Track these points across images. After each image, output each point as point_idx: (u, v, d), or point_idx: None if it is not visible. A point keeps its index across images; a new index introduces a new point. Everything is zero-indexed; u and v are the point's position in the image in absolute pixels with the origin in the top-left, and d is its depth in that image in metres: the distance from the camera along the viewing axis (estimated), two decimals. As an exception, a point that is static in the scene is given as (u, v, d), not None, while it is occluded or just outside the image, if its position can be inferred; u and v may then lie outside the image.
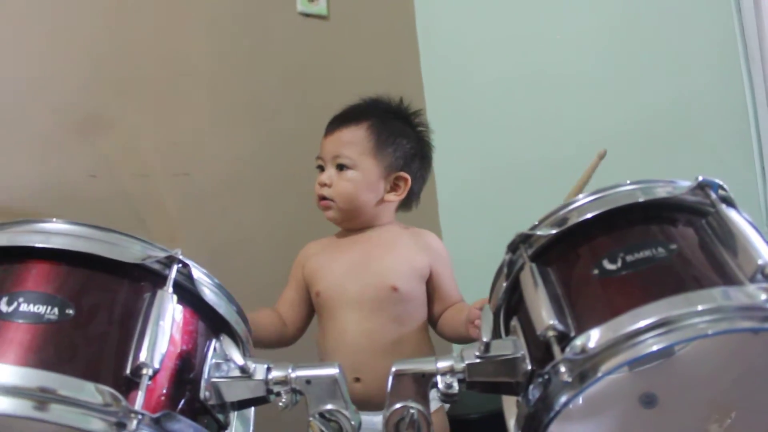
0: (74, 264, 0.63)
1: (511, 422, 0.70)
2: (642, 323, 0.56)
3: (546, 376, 0.58)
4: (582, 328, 0.59)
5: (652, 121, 1.87)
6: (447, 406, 1.25)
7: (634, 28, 1.94)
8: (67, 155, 1.39)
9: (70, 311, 0.60)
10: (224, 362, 0.68)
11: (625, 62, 1.94)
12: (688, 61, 1.86)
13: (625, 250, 0.62)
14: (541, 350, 0.61)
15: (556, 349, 0.57)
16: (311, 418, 0.67)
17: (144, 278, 0.65)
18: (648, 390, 0.76)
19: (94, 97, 1.45)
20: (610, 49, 1.97)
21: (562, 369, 0.55)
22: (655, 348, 0.55)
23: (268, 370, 0.67)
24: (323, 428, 0.67)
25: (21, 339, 0.57)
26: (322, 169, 1.26)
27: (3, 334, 0.57)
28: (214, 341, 0.69)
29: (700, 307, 0.56)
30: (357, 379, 1.15)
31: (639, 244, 0.63)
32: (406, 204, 1.29)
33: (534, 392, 0.60)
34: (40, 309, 0.59)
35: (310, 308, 1.27)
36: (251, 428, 0.74)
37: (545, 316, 0.59)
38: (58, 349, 0.58)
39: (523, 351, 0.64)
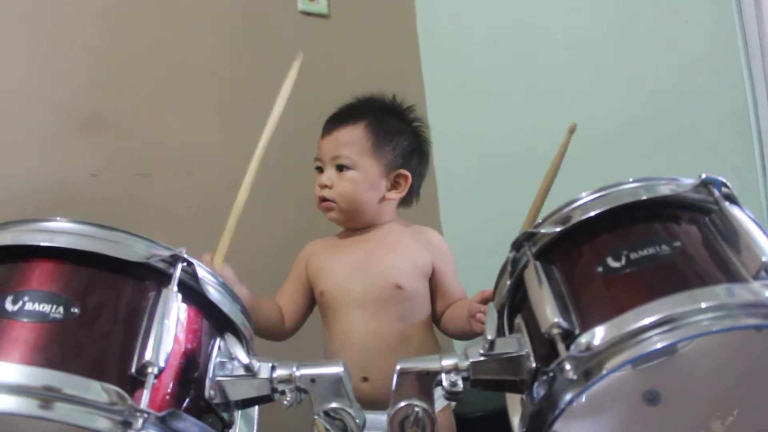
0: (79, 263, 0.63)
1: (515, 420, 0.70)
2: (646, 321, 0.56)
3: (551, 374, 0.58)
4: (586, 325, 0.59)
5: (652, 118, 1.87)
6: (453, 404, 1.25)
7: (634, 26, 1.94)
8: (68, 154, 1.39)
9: (75, 310, 0.60)
10: (229, 361, 0.68)
11: (625, 59, 1.94)
12: (688, 59, 1.85)
13: (629, 247, 0.63)
14: (546, 348, 0.61)
15: (560, 346, 0.57)
16: (316, 417, 0.67)
17: (148, 277, 0.65)
18: (651, 387, 0.76)
19: (95, 96, 1.45)
20: (610, 47, 1.97)
21: (567, 366, 0.55)
22: (659, 345, 0.55)
23: (273, 368, 0.67)
24: (328, 427, 0.67)
25: (26, 338, 0.57)
26: (320, 170, 1.26)
27: (8, 333, 0.57)
28: (218, 340, 0.69)
29: (704, 305, 0.56)
30: (365, 379, 1.15)
31: (643, 242, 0.63)
32: (406, 200, 1.29)
33: (539, 390, 0.60)
34: (45, 308, 0.59)
35: (309, 305, 1.27)
36: (255, 427, 0.74)
37: (550, 314, 0.59)
38: (64, 348, 0.58)
39: (527, 349, 0.64)
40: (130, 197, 1.46)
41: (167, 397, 0.62)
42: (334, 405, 0.67)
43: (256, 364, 0.67)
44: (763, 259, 0.58)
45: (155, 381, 0.58)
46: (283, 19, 1.82)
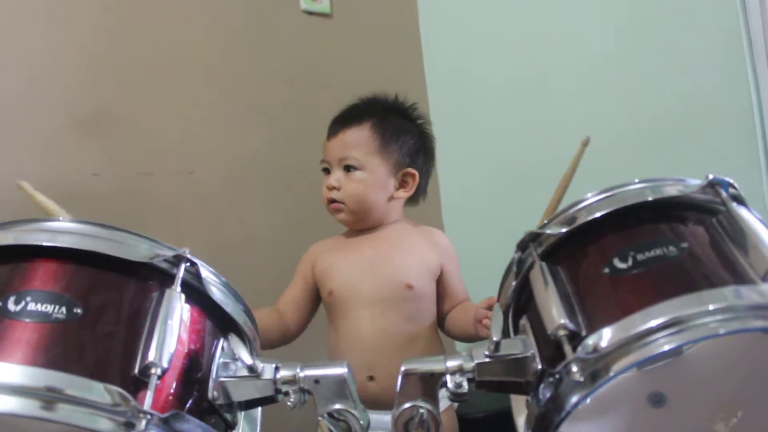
0: (81, 263, 0.63)
1: (520, 421, 0.69)
2: (653, 323, 0.56)
3: (557, 376, 0.58)
4: (593, 327, 0.58)
5: (656, 120, 1.87)
6: (456, 405, 1.25)
7: (638, 28, 1.93)
8: (70, 154, 1.38)
9: (78, 310, 0.59)
10: (232, 362, 0.68)
11: (629, 61, 1.94)
12: (693, 60, 1.85)
13: (636, 248, 0.62)
14: (552, 349, 0.61)
15: (567, 348, 0.56)
16: (320, 418, 0.67)
17: (152, 277, 0.65)
18: (656, 389, 0.76)
19: (96, 95, 1.44)
20: (614, 49, 1.96)
21: (574, 368, 0.55)
22: (666, 348, 0.55)
23: (277, 369, 0.67)
24: (332, 428, 0.66)
25: (28, 338, 0.57)
26: (327, 171, 1.26)
27: (10, 333, 0.57)
28: (221, 340, 0.69)
29: (711, 307, 0.56)
30: (371, 378, 1.15)
31: (650, 243, 0.62)
32: (413, 199, 1.30)
33: (545, 392, 0.60)
34: (48, 308, 0.58)
35: (315, 306, 1.27)
36: (258, 428, 0.74)
37: (556, 315, 0.59)
38: (66, 349, 0.57)
39: (533, 350, 0.64)
40: (132, 196, 1.46)
41: (170, 398, 0.61)
42: (338, 406, 0.67)
43: (259, 365, 0.66)
44: (772, 260, 0.58)
45: (158, 382, 0.58)
46: (285, 19, 1.82)
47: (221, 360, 0.68)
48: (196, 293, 0.67)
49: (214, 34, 1.66)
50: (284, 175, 1.74)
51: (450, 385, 0.65)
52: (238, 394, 0.67)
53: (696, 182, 0.67)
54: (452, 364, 0.66)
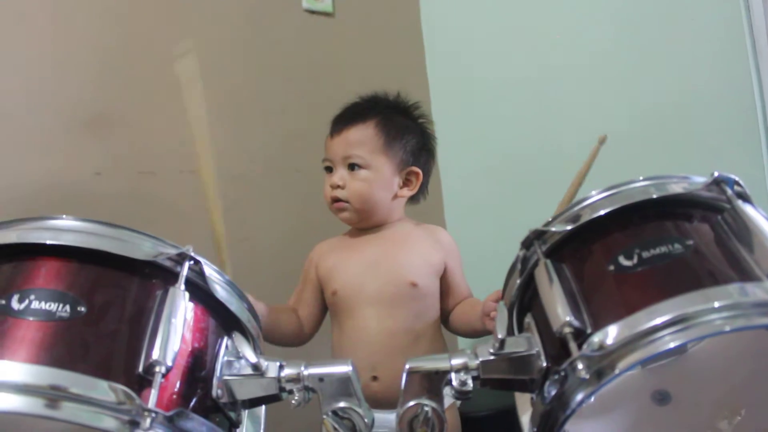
0: (85, 261, 0.63)
1: (525, 419, 0.69)
2: (659, 320, 0.55)
3: (563, 373, 0.58)
4: (598, 324, 0.58)
5: (658, 116, 1.87)
6: (459, 403, 1.25)
7: (639, 24, 1.93)
8: (72, 153, 1.38)
9: (82, 309, 0.59)
10: (236, 360, 0.68)
11: (630, 57, 1.94)
12: (695, 57, 1.85)
13: (641, 246, 0.62)
14: (557, 347, 0.61)
15: (572, 345, 0.56)
16: (325, 416, 0.66)
17: (155, 275, 0.65)
18: (661, 387, 0.76)
19: (99, 95, 1.44)
20: (615, 45, 1.96)
21: (580, 366, 0.55)
22: (672, 345, 0.55)
23: (281, 367, 0.67)
24: (337, 426, 0.66)
25: (32, 337, 0.57)
26: (330, 170, 1.25)
27: (14, 331, 0.57)
28: (225, 339, 0.69)
29: (716, 304, 0.55)
30: (374, 378, 1.15)
31: (655, 240, 0.62)
32: (414, 197, 1.30)
33: (550, 389, 0.59)
34: (52, 306, 0.58)
35: (324, 307, 1.27)
36: (262, 427, 0.74)
37: (561, 313, 0.59)
38: (70, 347, 0.57)
39: (537, 348, 0.64)
40: (134, 196, 1.45)
41: (174, 396, 0.61)
42: (342, 404, 0.67)
43: (263, 363, 0.66)
44: (777, 257, 0.58)
45: (162, 380, 0.57)
46: (287, 17, 1.82)
47: (225, 358, 0.67)
48: (199, 291, 0.67)
49: (216, 32, 1.66)
50: (286, 174, 1.73)
51: (455, 383, 0.65)
52: (242, 393, 0.67)
53: (701, 180, 0.67)
54: (457, 362, 0.66)
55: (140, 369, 0.58)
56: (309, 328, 1.24)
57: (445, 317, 1.25)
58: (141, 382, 0.57)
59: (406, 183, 1.26)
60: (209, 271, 0.67)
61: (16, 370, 0.53)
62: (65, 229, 0.64)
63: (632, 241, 0.63)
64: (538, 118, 2.04)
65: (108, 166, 1.42)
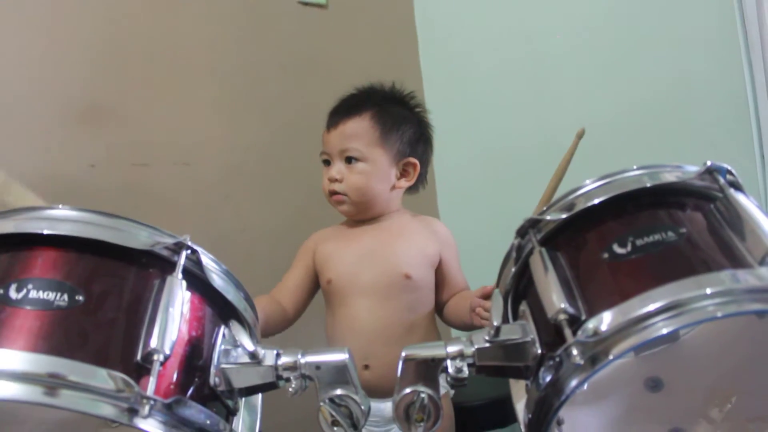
0: (82, 251, 0.63)
1: (519, 406, 0.70)
2: (652, 306, 0.56)
3: (557, 359, 0.58)
4: (593, 311, 0.59)
5: (650, 107, 1.88)
6: (452, 392, 1.26)
7: (631, 14, 1.94)
8: (67, 146, 1.38)
9: (80, 298, 0.59)
10: (233, 348, 0.68)
11: (623, 48, 1.94)
12: (687, 47, 1.86)
13: (635, 234, 0.63)
14: (551, 334, 0.61)
15: (567, 332, 0.57)
16: (321, 404, 0.67)
17: (152, 265, 0.65)
18: (654, 374, 0.77)
19: (93, 87, 1.44)
20: (608, 36, 1.97)
21: (574, 352, 0.55)
22: (665, 331, 0.55)
23: (278, 356, 0.67)
24: (333, 413, 0.66)
25: (30, 326, 0.57)
26: (327, 163, 1.26)
27: (12, 321, 0.57)
28: (222, 327, 0.69)
29: (709, 290, 0.56)
30: (366, 367, 1.15)
31: (648, 228, 0.63)
32: (413, 188, 1.30)
33: (545, 375, 0.60)
34: (50, 295, 0.58)
35: (313, 292, 1.27)
36: (259, 416, 0.74)
37: (556, 300, 0.59)
38: (68, 336, 0.57)
39: (532, 335, 0.64)
40: (128, 188, 1.46)
41: (173, 384, 0.61)
42: (339, 392, 0.67)
43: (260, 352, 0.66)
44: (769, 244, 0.58)
45: (161, 368, 0.58)
46: (281, 9, 1.82)
47: (222, 347, 0.68)
48: (196, 280, 0.67)
49: (210, 25, 1.66)
50: (280, 166, 1.74)
51: (450, 370, 0.66)
52: (240, 381, 0.67)
53: (694, 169, 0.68)
54: (452, 349, 0.66)
55: (138, 357, 0.58)
56: (295, 311, 1.25)
57: (440, 309, 1.26)
58: (139, 370, 0.57)
59: (403, 174, 1.26)
60: (206, 260, 0.68)
61: (15, 358, 0.54)
62: (62, 218, 0.64)
63: (626, 230, 0.64)
64: (531, 109, 2.05)
65: (102, 158, 1.42)
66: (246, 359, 0.67)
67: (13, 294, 0.58)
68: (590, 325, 0.57)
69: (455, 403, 1.28)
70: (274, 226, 1.69)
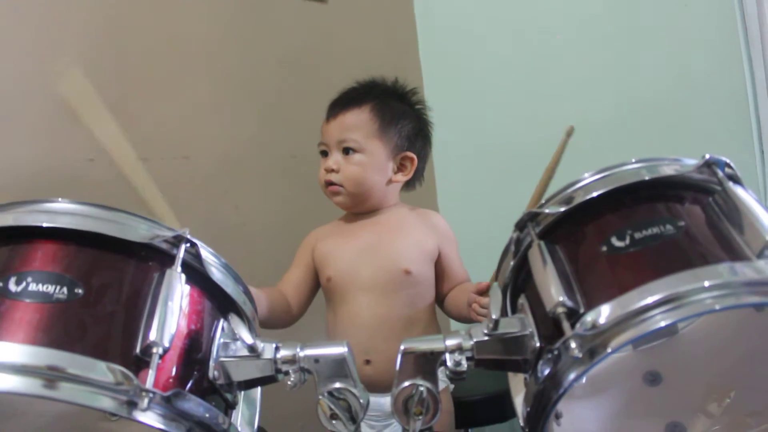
0: (82, 244, 0.63)
1: (517, 400, 0.70)
2: (650, 299, 0.56)
3: (555, 352, 0.58)
4: (591, 304, 0.59)
5: (650, 103, 1.87)
6: (452, 387, 1.26)
7: (632, 11, 1.94)
8: (65, 139, 1.38)
9: (79, 290, 0.59)
10: (232, 342, 0.68)
11: (623, 45, 1.94)
12: (687, 45, 1.85)
13: (633, 227, 0.63)
14: (550, 327, 0.61)
15: (566, 325, 0.57)
16: (320, 397, 0.67)
17: (152, 258, 0.65)
18: (652, 368, 0.77)
19: (92, 80, 1.43)
20: (608, 31, 1.97)
21: (573, 345, 0.55)
22: (663, 324, 0.55)
23: (277, 349, 0.67)
24: (332, 407, 0.67)
25: (30, 318, 0.57)
26: (325, 154, 1.26)
27: (12, 313, 0.57)
28: (221, 321, 0.69)
29: (707, 283, 0.56)
30: (367, 362, 1.15)
31: (647, 222, 0.63)
32: (409, 183, 1.30)
33: (543, 369, 0.60)
34: (49, 288, 0.59)
35: (315, 290, 1.27)
36: (258, 409, 0.74)
37: (554, 293, 0.59)
38: (68, 328, 0.58)
39: (531, 328, 0.64)
40: (128, 181, 1.45)
41: (172, 377, 0.62)
42: (338, 385, 0.67)
43: (259, 345, 0.67)
44: (767, 237, 0.58)
45: (160, 361, 0.58)
46: (280, 4, 1.81)
47: (222, 340, 0.68)
48: (196, 274, 0.67)
49: (210, 19, 1.66)
50: (280, 160, 1.73)
51: (449, 363, 0.66)
52: (239, 374, 0.67)
53: (692, 162, 0.68)
54: (451, 342, 0.66)
55: (137, 350, 0.58)
56: (297, 309, 1.25)
57: (440, 301, 1.26)
58: (138, 363, 0.58)
59: (400, 168, 1.26)
60: (205, 253, 0.68)
61: (14, 350, 0.54)
62: (61, 212, 0.64)
63: (624, 223, 0.64)
64: (531, 104, 2.05)
65: (101, 152, 1.42)
66: (245, 352, 0.67)
67: (12, 287, 0.58)
68: (588, 318, 0.57)
69: (455, 397, 1.28)
70: (273, 220, 1.69)
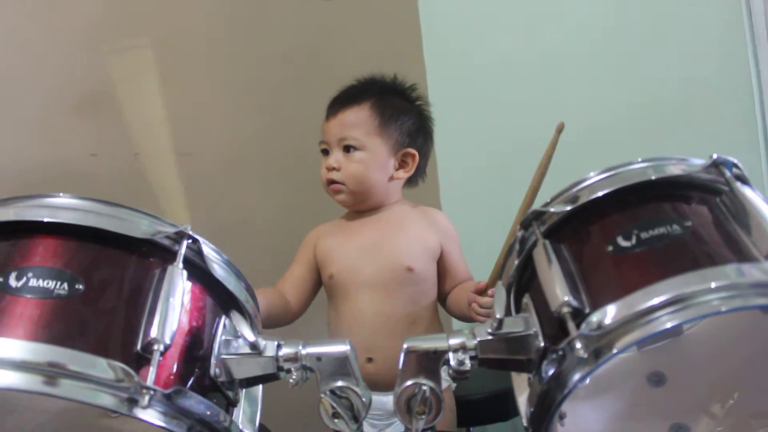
0: (83, 239, 0.62)
1: (521, 399, 0.69)
2: (656, 300, 0.55)
3: (560, 353, 0.58)
4: (596, 304, 0.58)
5: (656, 103, 1.87)
6: (454, 386, 1.26)
7: (638, 10, 1.93)
8: (68, 135, 1.38)
9: (80, 286, 0.59)
10: (234, 339, 0.68)
11: (629, 44, 1.93)
12: (693, 43, 1.85)
13: (640, 226, 0.62)
14: (554, 327, 0.61)
15: (571, 325, 0.56)
16: (322, 395, 0.67)
17: (153, 254, 0.64)
18: (657, 369, 0.76)
19: (94, 76, 1.43)
20: (614, 31, 1.96)
21: (578, 345, 0.55)
22: (669, 325, 0.55)
23: (279, 347, 0.67)
24: (334, 405, 0.66)
25: (30, 314, 0.56)
26: (326, 152, 1.25)
27: (12, 309, 0.56)
28: (223, 318, 0.69)
29: (714, 284, 0.55)
30: (369, 360, 1.15)
31: (653, 222, 0.62)
32: (412, 180, 1.30)
33: (547, 369, 0.60)
34: (50, 284, 0.58)
35: (316, 288, 1.27)
36: (259, 407, 0.74)
37: (560, 293, 0.59)
38: (68, 325, 0.57)
39: (535, 328, 0.64)
40: (129, 178, 1.45)
41: (172, 375, 0.61)
42: (340, 383, 0.66)
43: (261, 342, 0.66)
44: (775, 238, 0.58)
45: (161, 358, 0.57)
46: (284, 1, 1.81)
47: (223, 337, 0.67)
48: (197, 270, 0.67)
49: (212, 15, 1.65)
50: (282, 157, 1.73)
51: (452, 362, 0.65)
52: (240, 372, 0.67)
53: (699, 161, 0.67)
54: (455, 341, 0.66)
55: (138, 347, 0.58)
56: (298, 305, 1.24)
57: (442, 299, 1.26)
58: (139, 360, 0.57)
59: (402, 165, 1.25)
60: (207, 250, 0.67)
61: (14, 347, 0.53)
62: (63, 207, 0.63)
63: (631, 222, 0.63)
64: (535, 102, 2.03)
65: (104, 147, 1.42)
66: (247, 350, 0.67)
67: (13, 282, 0.58)
68: (594, 318, 0.56)
69: (457, 396, 1.28)
70: (275, 216, 1.69)
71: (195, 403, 0.59)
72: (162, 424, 0.55)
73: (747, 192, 0.64)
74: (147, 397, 0.54)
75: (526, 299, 0.68)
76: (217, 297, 0.69)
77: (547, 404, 0.60)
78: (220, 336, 0.67)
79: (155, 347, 0.57)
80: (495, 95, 2.12)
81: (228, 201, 1.62)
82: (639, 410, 0.77)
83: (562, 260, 0.63)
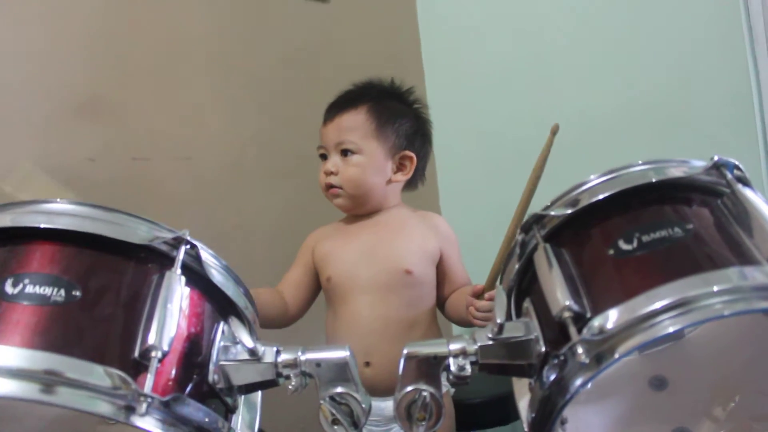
0: (80, 245, 0.62)
1: (522, 404, 0.69)
2: (658, 304, 0.55)
3: (562, 358, 0.57)
4: (598, 309, 0.58)
5: (653, 104, 1.87)
6: (453, 390, 1.25)
7: (635, 9, 1.93)
8: (66, 139, 1.37)
9: (77, 293, 0.58)
10: (232, 345, 0.67)
11: (626, 44, 1.94)
12: (691, 44, 1.85)
13: (641, 230, 0.62)
14: (555, 332, 0.60)
15: (572, 330, 0.56)
16: (321, 402, 0.66)
17: (151, 260, 0.64)
18: (658, 373, 0.76)
19: (93, 80, 1.43)
20: (612, 31, 1.96)
21: (580, 350, 0.54)
22: (671, 329, 0.55)
23: (278, 352, 0.66)
24: (334, 411, 0.66)
25: (27, 321, 0.56)
26: (324, 157, 1.25)
27: (8, 316, 0.56)
28: (222, 324, 0.68)
29: (716, 288, 0.55)
30: (367, 364, 1.15)
31: (654, 225, 0.62)
32: (411, 183, 1.29)
33: (549, 374, 0.59)
34: (47, 291, 0.57)
35: (315, 291, 1.27)
36: (258, 414, 0.73)
37: (561, 297, 0.58)
38: (65, 332, 0.57)
39: (536, 333, 0.63)
40: (128, 182, 1.45)
41: (171, 381, 0.60)
42: (339, 389, 0.66)
43: (260, 348, 0.66)
44: (777, 241, 0.57)
45: (159, 365, 0.57)
46: (282, 4, 1.81)
47: (222, 343, 0.67)
48: (196, 276, 0.66)
49: (211, 19, 1.65)
50: (281, 161, 1.73)
51: (453, 368, 0.65)
52: (239, 378, 0.66)
53: (701, 164, 0.67)
54: (455, 347, 0.65)
55: (136, 354, 0.57)
56: (296, 308, 1.24)
57: (441, 304, 1.25)
58: (137, 367, 0.57)
59: (400, 168, 1.25)
60: (205, 255, 0.67)
61: (11, 354, 0.53)
62: (60, 212, 0.63)
63: (632, 225, 0.63)
64: (534, 103, 2.04)
65: (102, 152, 1.41)
66: (245, 356, 0.66)
67: (9, 289, 0.57)
68: (596, 323, 0.56)
69: (455, 400, 1.27)
70: (274, 221, 1.68)
71: (193, 410, 0.58)
72: (160, 431, 0.55)
73: (748, 194, 0.63)
74: (144, 405, 0.53)
75: (527, 303, 0.68)
76: (216, 303, 0.69)
77: (549, 410, 0.59)
78: (218, 342, 0.67)
79: (153, 354, 0.56)
80: (493, 97, 2.13)
81: (226, 206, 1.62)
82: (641, 414, 0.77)
83: (563, 264, 0.63)
